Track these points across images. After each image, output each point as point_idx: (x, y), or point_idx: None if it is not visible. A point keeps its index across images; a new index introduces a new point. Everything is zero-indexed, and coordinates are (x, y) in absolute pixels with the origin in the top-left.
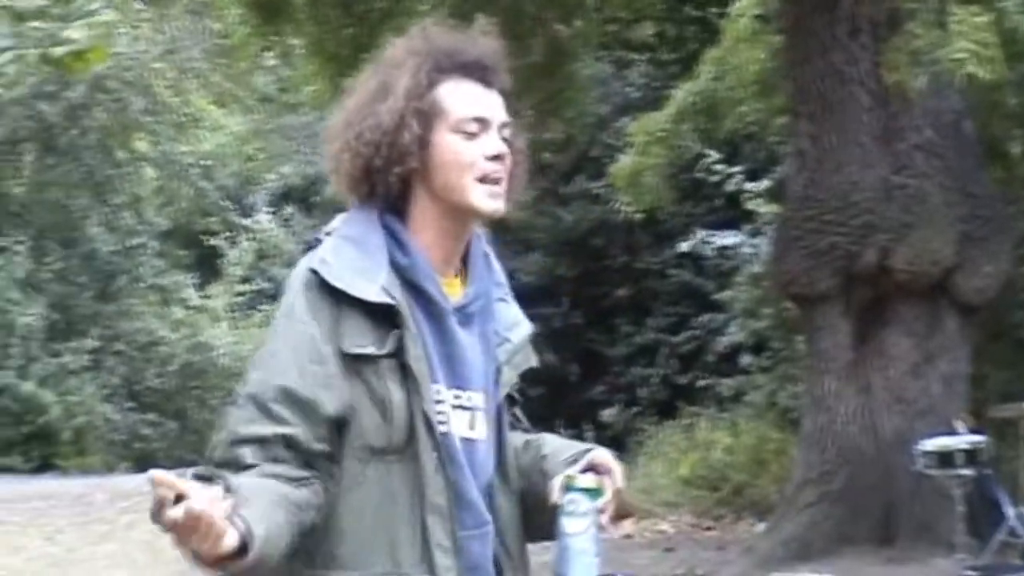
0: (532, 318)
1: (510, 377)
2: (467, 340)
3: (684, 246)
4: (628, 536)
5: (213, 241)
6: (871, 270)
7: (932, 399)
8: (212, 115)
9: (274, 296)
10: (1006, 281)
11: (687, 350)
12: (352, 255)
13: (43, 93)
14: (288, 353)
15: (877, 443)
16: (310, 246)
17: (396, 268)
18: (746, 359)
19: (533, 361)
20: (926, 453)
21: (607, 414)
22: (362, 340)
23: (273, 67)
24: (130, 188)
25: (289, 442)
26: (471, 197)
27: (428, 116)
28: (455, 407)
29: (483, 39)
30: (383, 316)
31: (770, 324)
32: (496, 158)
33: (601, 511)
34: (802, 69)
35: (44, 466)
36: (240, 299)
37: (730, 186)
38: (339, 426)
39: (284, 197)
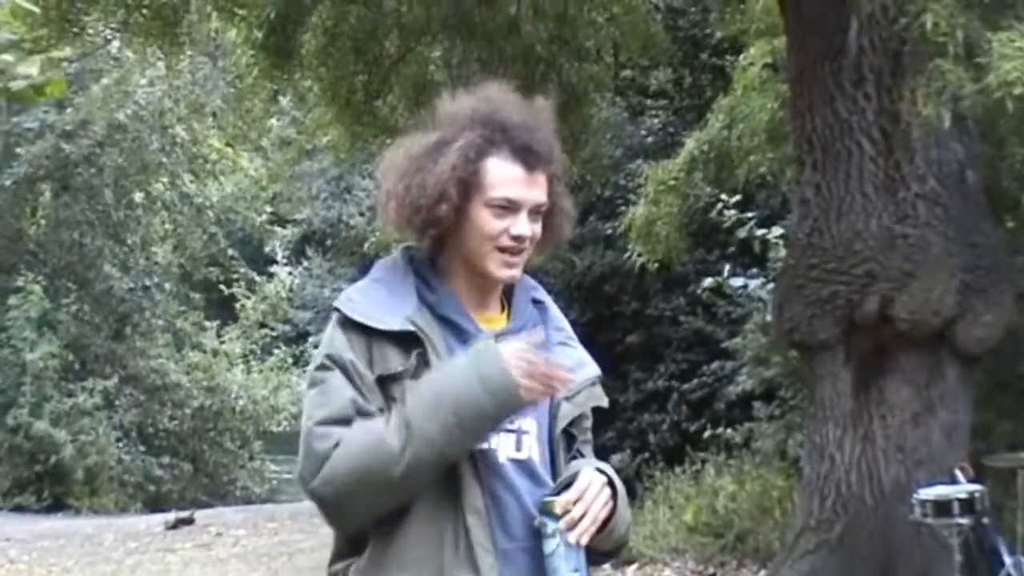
0: None
1: (568, 411)
2: None
3: (707, 282)
4: None
5: (230, 290)
6: (872, 319)
7: (932, 448)
8: (229, 158)
9: (292, 340)
10: (1010, 331)
11: (698, 397)
12: (378, 294)
13: (63, 132)
14: (341, 378)
15: (877, 492)
16: None
17: (426, 304)
18: (756, 407)
19: (603, 401)
20: (924, 502)
21: (617, 460)
22: (392, 364)
23: (290, 112)
24: (143, 230)
25: None
26: (488, 264)
27: (469, 186)
28: (499, 429)
29: (541, 121)
30: (410, 343)
31: (779, 372)
32: (518, 238)
33: (570, 529)
34: (807, 118)
35: (56, 505)
36: (256, 344)
37: (743, 232)
38: None
39: (304, 240)
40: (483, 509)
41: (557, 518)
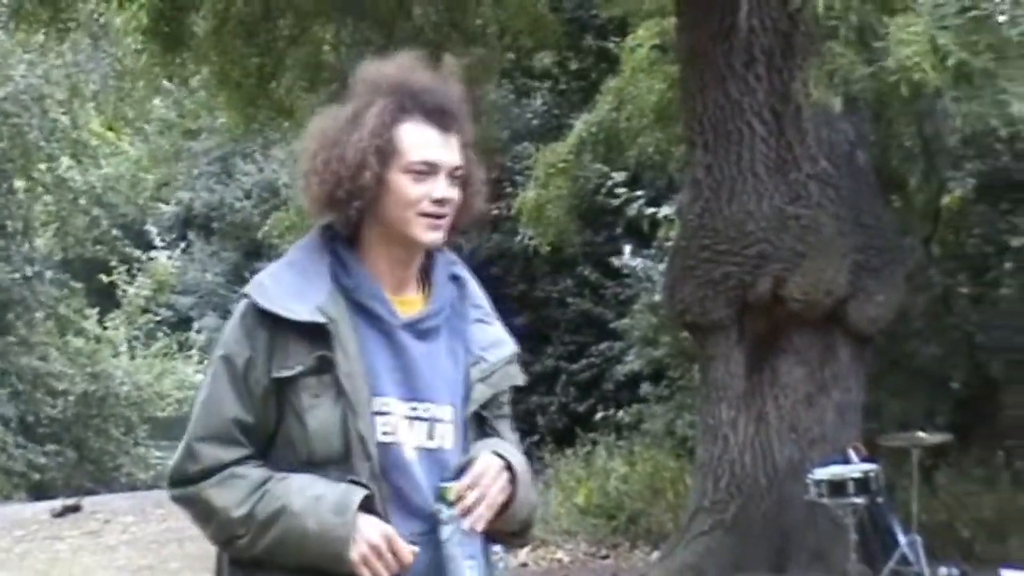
0: None
1: (482, 394)
2: (424, 354)
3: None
4: (524, 565)
5: (111, 277)
6: (765, 299)
7: (826, 428)
8: (109, 140)
9: (175, 325)
10: (900, 311)
11: (586, 378)
12: (291, 278)
13: None
14: (228, 387)
15: (771, 472)
16: None
17: (342, 289)
18: (645, 387)
19: (518, 380)
20: (818, 482)
21: None
22: (291, 362)
23: (172, 92)
24: (23, 215)
25: (251, 459)
26: (413, 229)
27: (385, 154)
28: (410, 418)
29: (450, 84)
30: (318, 334)
31: (668, 352)
32: (439, 202)
33: (463, 515)
34: (698, 99)
35: None
36: (140, 329)
37: (632, 211)
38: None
39: (185, 224)
40: (382, 512)
41: (452, 505)
